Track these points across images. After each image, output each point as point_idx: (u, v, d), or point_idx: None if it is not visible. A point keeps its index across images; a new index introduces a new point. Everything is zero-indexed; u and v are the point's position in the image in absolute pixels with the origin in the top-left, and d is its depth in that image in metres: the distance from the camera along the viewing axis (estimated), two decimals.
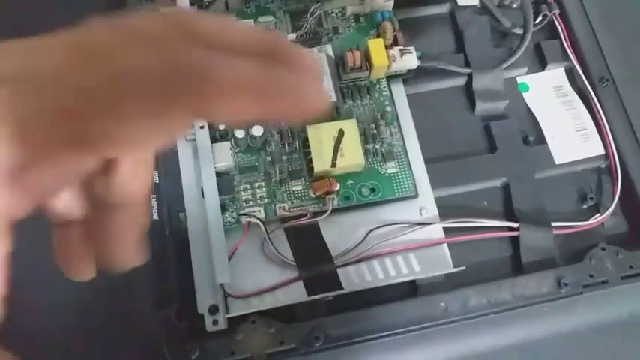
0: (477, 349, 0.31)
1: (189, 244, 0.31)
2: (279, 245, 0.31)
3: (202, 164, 0.30)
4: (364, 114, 0.34)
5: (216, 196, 0.30)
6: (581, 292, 0.31)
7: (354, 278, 0.31)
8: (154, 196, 0.31)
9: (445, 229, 0.32)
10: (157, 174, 0.32)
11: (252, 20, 0.35)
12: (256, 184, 0.32)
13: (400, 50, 0.34)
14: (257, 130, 0.32)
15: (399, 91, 0.35)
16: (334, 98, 0.32)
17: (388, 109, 0.33)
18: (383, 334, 0.29)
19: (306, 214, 0.31)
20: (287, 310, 0.30)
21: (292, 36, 0.34)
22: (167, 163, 0.32)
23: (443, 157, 0.34)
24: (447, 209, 0.33)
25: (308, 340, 0.29)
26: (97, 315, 0.30)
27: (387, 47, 0.34)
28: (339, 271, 0.31)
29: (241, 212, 0.30)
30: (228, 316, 0.28)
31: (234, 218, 0.31)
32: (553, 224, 0.33)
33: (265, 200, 0.31)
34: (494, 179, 0.34)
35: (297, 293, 0.30)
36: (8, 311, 0.18)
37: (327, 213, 0.31)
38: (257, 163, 0.32)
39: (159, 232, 0.31)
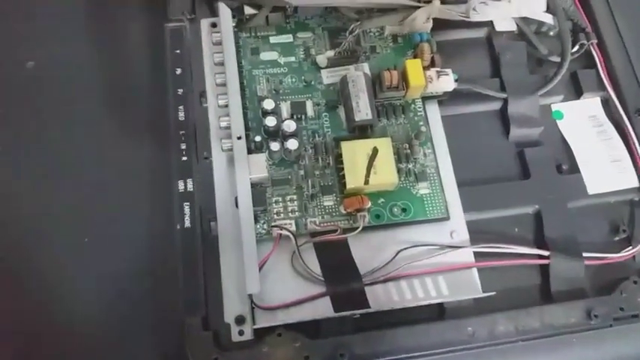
0: None
1: (218, 253, 0.31)
2: (308, 259, 0.31)
3: (238, 174, 0.30)
4: (398, 133, 0.34)
5: (250, 206, 0.30)
6: (611, 325, 0.31)
7: (381, 297, 0.31)
8: (188, 203, 0.32)
9: (475, 254, 0.32)
10: (190, 182, 0.32)
11: (291, 35, 0.36)
12: (288, 197, 0.32)
13: (437, 72, 0.34)
14: (292, 144, 0.32)
15: (434, 112, 0.35)
16: (370, 116, 0.33)
17: (423, 129, 0.33)
18: (408, 355, 0.29)
19: (336, 230, 0.31)
20: (313, 324, 0.30)
21: (330, 53, 0.35)
22: (202, 173, 0.33)
23: (475, 181, 0.34)
24: (477, 233, 0.33)
25: (333, 357, 0.29)
26: (123, 320, 0.30)
27: (424, 68, 0.34)
28: (367, 289, 0.31)
29: (273, 224, 0.30)
30: (255, 327, 0.29)
31: (264, 229, 0.31)
32: (584, 254, 0.33)
33: (296, 213, 0.32)
34: (526, 206, 0.34)
35: (323, 308, 0.30)
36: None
37: (358, 230, 0.31)
38: (290, 177, 0.33)
39: (190, 239, 0.31)
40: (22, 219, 0.32)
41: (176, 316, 0.30)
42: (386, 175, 0.32)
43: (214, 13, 0.37)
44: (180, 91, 0.34)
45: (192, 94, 0.34)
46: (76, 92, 0.35)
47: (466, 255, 0.32)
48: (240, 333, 0.30)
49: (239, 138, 0.31)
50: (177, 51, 0.35)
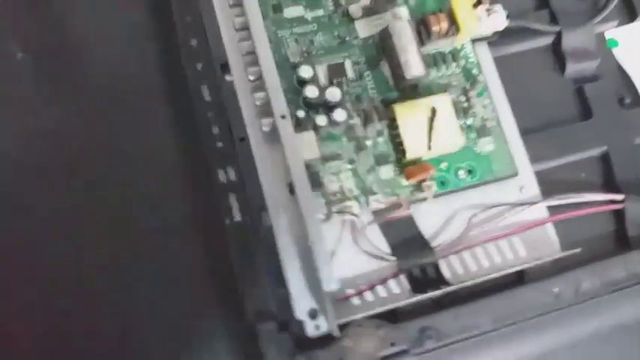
0: (590, 331, 0.29)
1: (276, 246, 0.28)
2: (372, 237, 0.28)
3: (289, 158, 0.26)
4: (451, 85, 0.30)
5: (310, 193, 0.26)
6: None
7: (458, 270, 0.29)
8: (234, 194, 0.28)
9: (548, 208, 0.30)
10: (232, 170, 0.29)
11: None
12: (342, 175, 0.29)
13: (487, 10, 0.30)
14: (340, 115, 0.28)
15: (486, 55, 0.31)
16: (422, 71, 0.29)
17: (480, 78, 0.30)
18: (495, 326, 0.27)
19: (401, 205, 0.28)
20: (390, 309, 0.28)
21: (365, 1, 0.30)
22: (241, 157, 0.29)
23: (536, 128, 0.31)
24: (544, 185, 0.30)
25: (420, 339, 0.27)
26: (187, 332, 0.28)
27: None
28: (442, 262, 0.28)
29: (335, 210, 0.27)
30: (338, 322, 0.26)
31: (324, 214, 0.28)
32: None
33: (355, 191, 0.28)
34: (591, 148, 0.31)
35: (400, 290, 0.28)
36: None
37: (425, 202, 0.28)
38: (340, 151, 0.29)
39: (243, 234, 0.28)
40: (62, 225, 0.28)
41: (244, 321, 0.27)
42: (450, 137, 0.28)
43: None
44: (199, 65, 0.30)
45: (214, 69, 0.30)
46: (83, 82, 0.30)
47: (539, 211, 0.30)
48: (317, 327, 0.27)
49: (283, 117, 0.27)
50: (188, 19, 0.30)
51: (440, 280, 0.28)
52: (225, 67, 0.30)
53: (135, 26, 0.31)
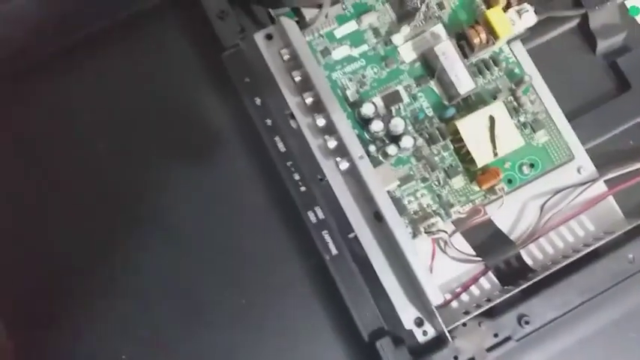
0: None
1: (373, 270, 0.30)
2: (456, 242, 0.30)
3: (374, 192, 0.29)
4: (498, 89, 0.32)
5: (400, 220, 0.28)
6: None
7: (538, 256, 0.31)
8: (326, 232, 0.31)
9: (606, 181, 0.32)
10: (319, 210, 0.31)
11: (354, 21, 0.32)
12: (418, 193, 0.31)
13: (517, 11, 0.31)
14: (408, 142, 0.30)
15: (522, 52, 0.33)
16: (473, 85, 0.30)
17: (526, 78, 0.31)
18: (582, 301, 0.30)
19: (480, 211, 0.30)
20: (485, 302, 0.30)
21: (406, 29, 0.31)
22: (323, 197, 0.31)
23: (579, 109, 0.33)
24: (597, 160, 0.32)
25: (519, 326, 0.30)
26: None
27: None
28: (522, 252, 0.31)
29: (424, 229, 0.29)
30: (448, 329, 0.28)
31: (409, 233, 0.30)
32: None
33: (434, 207, 0.31)
34: (635, 117, 0.33)
35: (490, 285, 0.30)
36: None
37: (502, 204, 0.30)
38: (411, 172, 0.31)
39: (343, 265, 0.30)
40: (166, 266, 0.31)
41: (361, 342, 0.30)
42: (511, 140, 0.30)
43: (254, 19, 0.33)
44: (268, 121, 0.32)
45: (281, 121, 0.32)
46: (164, 149, 0.32)
47: (598, 186, 0.32)
48: (424, 333, 0.30)
49: (361, 157, 0.29)
50: (247, 80, 0.32)
51: (524, 269, 0.31)
52: (291, 117, 0.32)
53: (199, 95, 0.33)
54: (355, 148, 0.29)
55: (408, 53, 0.32)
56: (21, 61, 0.33)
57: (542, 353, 0.30)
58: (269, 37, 0.32)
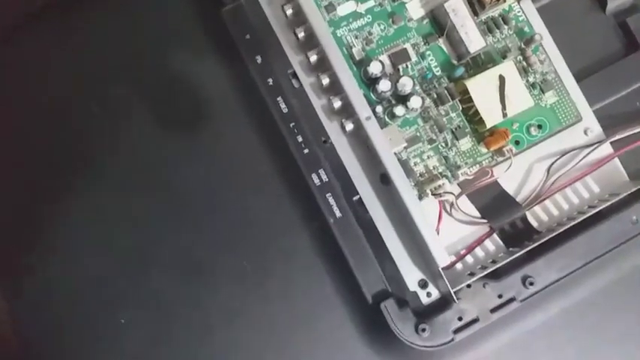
0: None
1: (378, 232, 0.29)
2: (462, 204, 0.29)
3: (381, 153, 0.27)
4: (508, 48, 0.30)
5: (407, 182, 0.27)
6: None
7: (543, 218, 0.30)
8: (329, 194, 0.29)
9: (612, 144, 0.31)
10: (323, 172, 0.29)
11: None
12: (425, 155, 0.29)
13: None
14: (416, 102, 0.28)
15: (531, 10, 0.31)
16: (484, 43, 0.29)
17: (537, 37, 0.29)
18: (585, 262, 0.29)
19: (487, 172, 0.29)
20: (491, 264, 0.29)
21: None
22: (328, 159, 0.29)
23: (587, 70, 0.31)
24: (604, 121, 0.31)
25: (523, 287, 0.29)
26: (316, 322, 0.30)
27: None
28: (528, 214, 0.30)
29: (430, 192, 0.28)
30: (454, 290, 0.28)
31: (416, 195, 0.29)
32: None
33: (440, 168, 0.29)
34: None
35: (495, 247, 0.29)
36: None
37: (510, 165, 0.29)
38: (418, 133, 0.30)
39: (347, 228, 0.29)
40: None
41: (365, 304, 0.29)
42: (521, 100, 0.29)
43: None
44: (270, 81, 0.30)
45: (284, 81, 0.30)
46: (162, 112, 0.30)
47: (605, 148, 0.31)
48: (428, 295, 0.29)
49: (368, 118, 0.27)
50: (247, 36, 0.30)
51: (530, 230, 0.30)
52: (294, 76, 0.30)
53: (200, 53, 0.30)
54: (362, 109, 0.27)
55: (416, 10, 0.30)
56: (9, 16, 0.31)
57: (545, 313, 0.30)
58: None
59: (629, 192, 0.29)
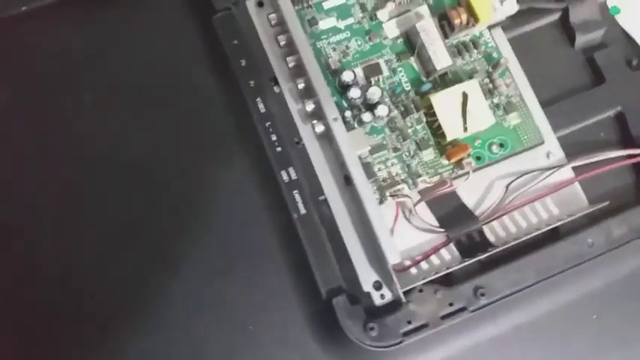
0: (624, 274, 0.31)
1: (339, 232, 0.30)
2: (422, 214, 0.30)
3: (345, 154, 0.28)
4: (475, 70, 0.32)
5: (367, 183, 0.28)
6: None
7: (500, 234, 0.30)
8: (297, 191, 0.30)
9: (574, 168, 0.31)
10: (292, 170, 0.31)
11: None
12: (389, 162, 0.30)
13: None
14: (383, 110, 0.30)
15: (502, 39, 0.32)
16: (450, 61, 0.30)
17: (502, 61, 0.31)
18: (539, 279, 0.29)
19: (446, 182, 0.30)
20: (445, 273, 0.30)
21: (390, 6, 0.31)
22: (299, 158, 0.31)
23: (554, 98, 0.33)
24: (567, 148, 0.31)
25: (475, 297, 0.29)
26: (270, 315, 0.30)
27: None
28: (485, 228, 0.30)
29: (390, 194, 0.29)
30: (403, 290, 0.28)
31: (377, 198, 0.30)
32: None
33: (402, 175, 0.30)
34: (607, 110, 0.32)
35: (451, 257, 0.30)
36: None
37: (468, 177, 0.30)
38: (384, 141, 0.31)
39: (310, 225, 0.30)
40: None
41: (319, 299, 0.29)
42: (481, 116, 0.30)
43: None
44: (252, 82, 0.31)
45: (265, 83, 0.31)
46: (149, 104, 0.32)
47: (566, 172, 0.31)
48: (382, 297, 0.29)
49: (335, 119, 0.29)
50: (235, 42, 0.32)
51: (485, 244, 0.30)
52: (274, 81, 0.32)
53: (190, 54, 0.33)
54: (330, 110, 0.29)
55: (391, 30, 0.32)
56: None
57: (496, 327, 0.30)
58: (260, 4, 0.32)
59: (586, 212, 0.30)
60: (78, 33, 0.33)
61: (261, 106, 0.31)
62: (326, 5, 0.32)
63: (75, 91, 0.32)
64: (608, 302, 0.30)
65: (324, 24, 0.32)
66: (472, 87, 0.30)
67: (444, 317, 0.29)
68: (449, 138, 0.30)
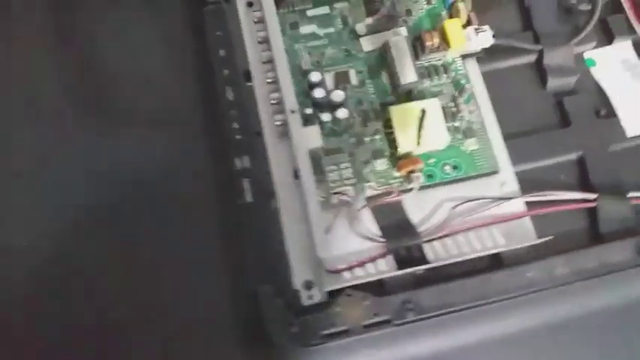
0: (561, 316, 0.30)
1: (281, 225, 0.30)
2: (367, 222, 0.30)
3: (296, 146, 0.29)
4: (442, 93, 0.32)
5: (312, 175, 0.28)
6: None
7: (440, 252, 0.30)
8: (247, 179, 0.31)
9: (527, 203, 0.31)
10: (247, 159, 0.31)
11: (327, 7, 0.34)
12: (342, 165, 0.31)
13: (475, 29, 0.32)
14: (342, 113, 0.30)
15: (474, 69, 0.33)
16: (415, 79, 0.31)
17: (467, 87, 0.31)
18: (472, 304, 0.28)
19: (392, 192, 0.30)
20: (378, 282, 0.29)
21: (368, 20, 0.33)
22: (256, 149, 0.31)
23: (518, 133, 0.33)
24: (525, 183, 0.31)
25: (401, 311, 0.28)
26: (197, 294, 0.29)
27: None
28: (426, 246, 0.30)
29: (333, 191, 0.29)
30: (328, 289, 0.28)
31: (323, 197, 0.30)
32: (630, 194, 0.31)
33: (352, 180, 0.30)
34: (569, 153, 0.32)
35: (386, 267, 0.29)
36: None
37: (414, 190, 0.30)
38: (341, 145, 0.31)
39: (253, 214, 0.30)
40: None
41: (247, 287, 0.29)
42: (437, 135, 0.30)
43: None
44: (226, 72, 0.33)
45: (238, 75, 0.33)
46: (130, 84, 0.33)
47: (517, 205, 0.31)
48: (310, 297, 0.29)
49: (293, 112, 0.29)
50: (219, 33, 0.33)
51: (423, 260, 0.29)
52: (247, 74, 0.33)
53: (174, 40, 0.34)
54: (290, 102, 0.30)
55: (367, 44, 0.33)
56: None
57: (421, 346, 0.29)
58: (250, 4, 0.34)
59: (526, 245, 0.29)
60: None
61: (230, 94, 0.32)
62: (310, 13, 0.33)
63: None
64: (541, 343, 0.29)
65: (305, 29, 0.33)
66: (433, 105, 0.30)
67: (367, 326, 0.28)
68: (400, 150, 0.30)
